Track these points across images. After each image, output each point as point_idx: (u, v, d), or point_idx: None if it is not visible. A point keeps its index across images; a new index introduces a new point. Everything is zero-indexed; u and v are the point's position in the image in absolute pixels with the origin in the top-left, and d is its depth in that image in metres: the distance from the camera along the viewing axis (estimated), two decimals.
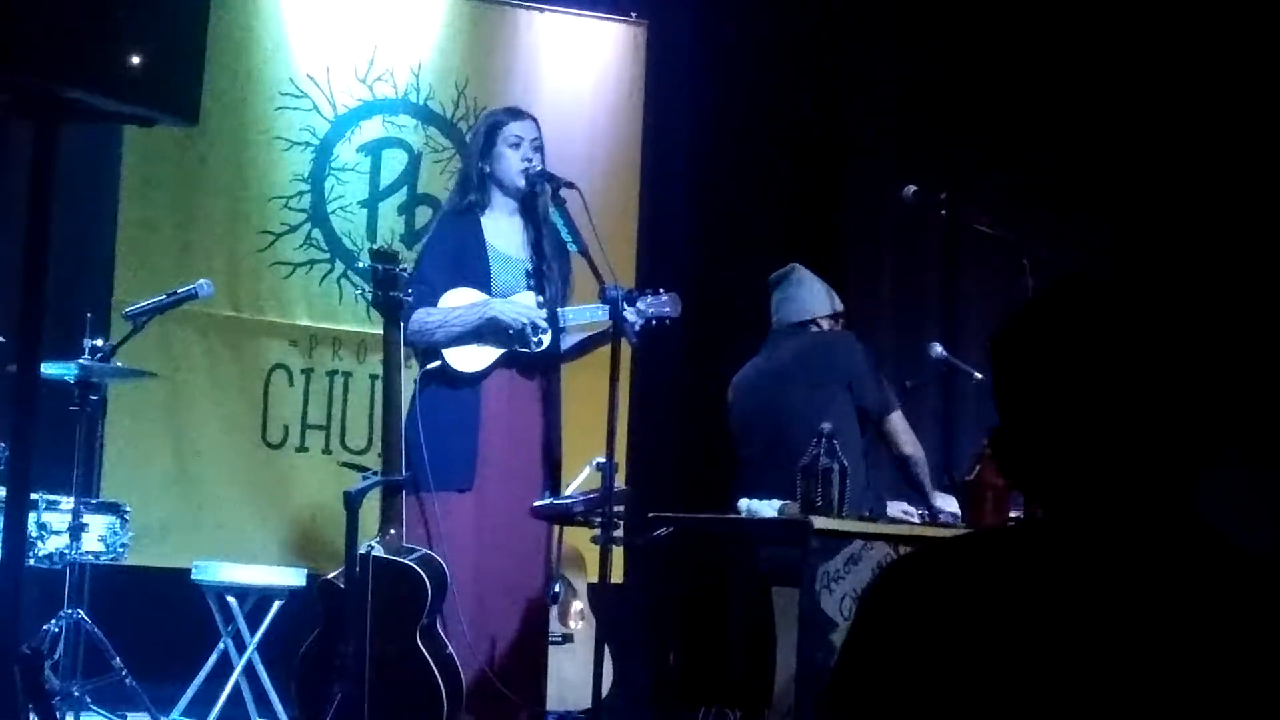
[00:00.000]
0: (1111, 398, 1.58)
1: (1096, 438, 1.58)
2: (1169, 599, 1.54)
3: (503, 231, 5.54)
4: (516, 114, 5.62)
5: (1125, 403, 1.58)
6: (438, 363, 5.39)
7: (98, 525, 5.89)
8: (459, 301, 5.40)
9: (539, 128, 5.56)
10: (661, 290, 5.48)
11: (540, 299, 5.45)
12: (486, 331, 5.37)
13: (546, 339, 5.43)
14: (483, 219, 5.51)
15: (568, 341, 5.56)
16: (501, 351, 5.39)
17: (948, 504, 5.51)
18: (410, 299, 5.16)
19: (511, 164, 5.47)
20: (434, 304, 5.37)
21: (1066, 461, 1.61)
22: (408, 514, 5.20)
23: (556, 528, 5.55)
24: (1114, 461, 1.58)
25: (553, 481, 5.51)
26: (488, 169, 5.51)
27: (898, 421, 5.69)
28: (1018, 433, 1.64)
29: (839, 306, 5.90)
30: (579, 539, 6.14)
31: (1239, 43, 6.84)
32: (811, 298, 5.85)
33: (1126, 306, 1.62)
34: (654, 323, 5.42)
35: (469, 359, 5.39)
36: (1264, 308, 6.85)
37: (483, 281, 5.44)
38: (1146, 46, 7.09)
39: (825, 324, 5.85)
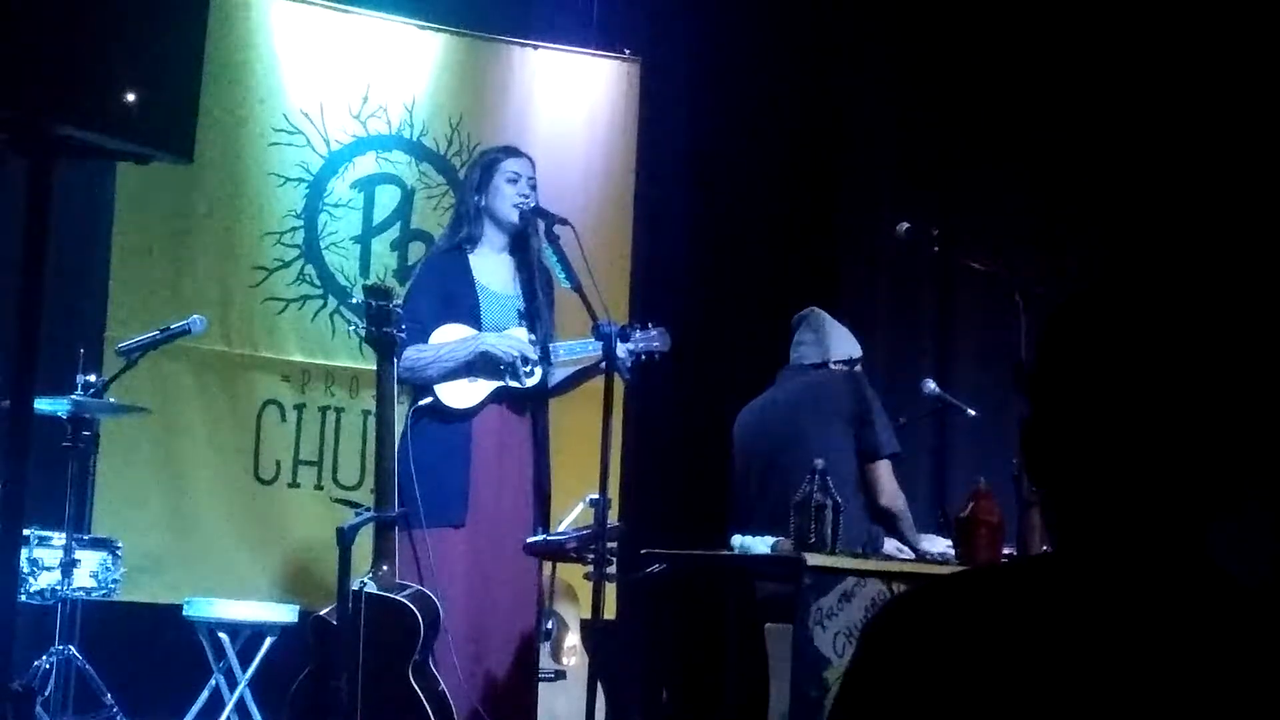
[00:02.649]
0: (1154, 402, 1.55)
1: (1130, 440, 1.56)
2: (1177, 641, 1.52)
3: (492, 268, 5.56)
4: (514, 152, 5.66)
5: (1167, 410, 1.56)
6: (429, 399, 5.39)
7: (89, 561, 5.88)
8: (449, 337, 5.41)
9: (535, 168, 5.60)
10: (650, 325, 5.50)
11: (532, 337, 5.46)
12: (478, 366, 5.38)
13: (538, 373, 5.44)
14: (471, 256, 5.54)
15: (554, 377, 5.57)
16: (493, 387, 5.40)
17: (933, 546, 5.49)
18: (403, 335, 5.16)
19: (507, 199, 5.50)
20: (425, 340, 5.39)
21: (1094, 462, 1.58)
22: (400, 550, 5.19)
23: (548, 563, 5.55)
24: (1141, 469, 1.56)
25: (543, 517, 5.51)
26: (483, 203, 5.54)
27: (881, 470, 5.59)
28: (1049, 424, 1.63)
29: (854, 353, 5.86)
30: (572, 575, 6.14)
31: (1234, 70, 6.84)
32: (826, 343, 5.83)
33: (1187, 311, 1.60)
34: (643, 358, 5.43)
35: (461, 395, 5.40)
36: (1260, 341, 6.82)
37: (473, 318, 5.45)
38: (1144, 74, 7.09)
39: (837, 369, 5.82)
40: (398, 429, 5.25)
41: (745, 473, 5.76)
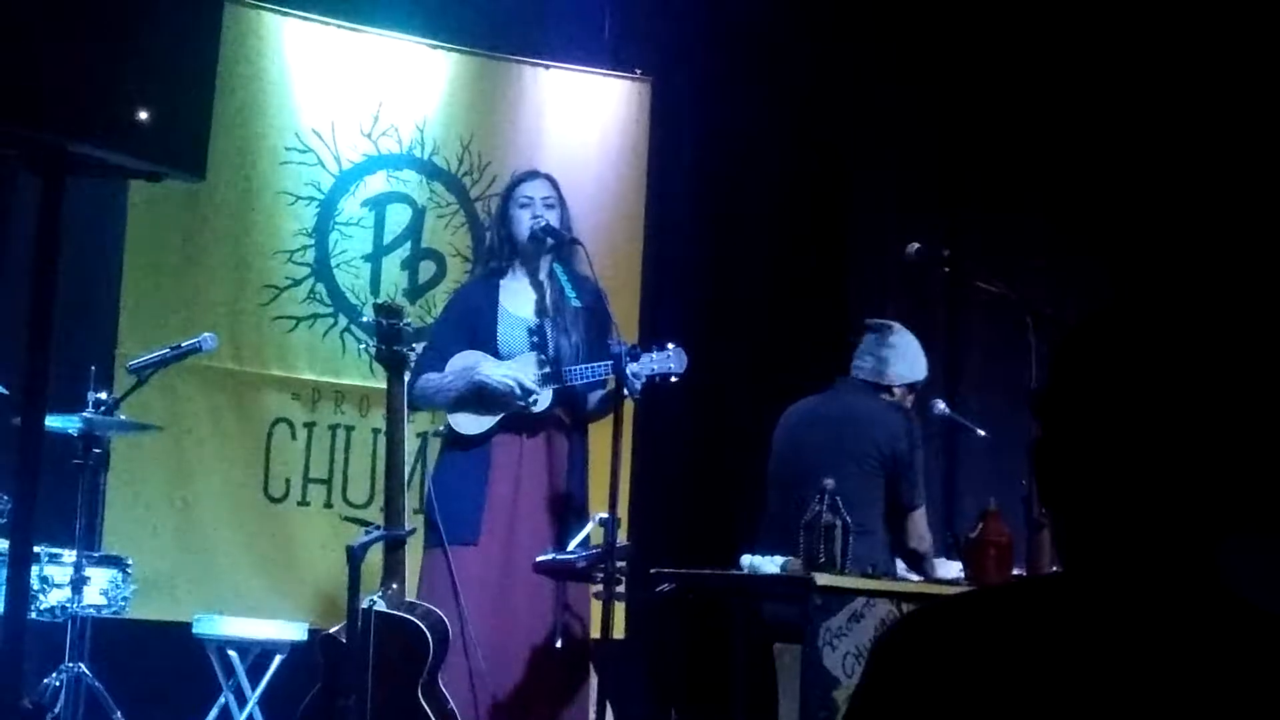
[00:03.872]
0: (1165, 424, 1.56)
1: (1141, 461, 1.56)
2: (1185, 662, 1.52)
3: (520, 292, 5.60)
4: (529, 175, 5.71)
5: (1177, 432, 1.55)
6: (444, 426, 5.46)
7: (99, 579, 5.87)
8: (461, 365, 5.44)
9: (553, 185, 5.63)
10: (669, 345, 5.46)
11: (542, 357, 5.46)
12: (482, 396, 5.41)
13: (543, 398, 5.43)
14: (502, 282, 5.60)
15: (592, 399, 5.59)
16: (500, 415, 5.43)
17: (948, 571, 5.49)
18: (415, 355, 5.19)
19: (523, 225, 5.55)
20: (441, 367, 5.44)
21: (1105, 483, 1.57)
22: (430, 570, 5.24)
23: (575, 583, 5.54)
24: (1151, 491, 1.56)
25: (567, 536, 5.49)
26: (505, 232, 5.60)
27: (918, 519, 5.63)
28: (1060, 445, 1.62)
29: (917, 377, 5.84)
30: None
31: (1242, 89, 6.84)
32: (893, 366, 5.78)
33: (1197, 332, 1.60)
34: (658, 379, 5.41)
35: (470, 422, 5.46)
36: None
37: (490, 343, 5.48)
38: (1154, 93, 7.09)
39: (898, 392, 5.79)
40: (409, 447, 5.28)
41: (774, 478, 5.74)
